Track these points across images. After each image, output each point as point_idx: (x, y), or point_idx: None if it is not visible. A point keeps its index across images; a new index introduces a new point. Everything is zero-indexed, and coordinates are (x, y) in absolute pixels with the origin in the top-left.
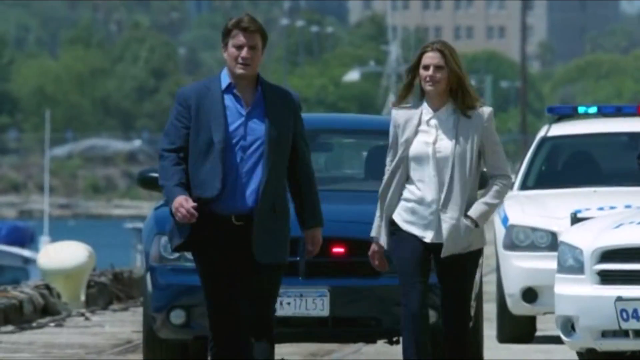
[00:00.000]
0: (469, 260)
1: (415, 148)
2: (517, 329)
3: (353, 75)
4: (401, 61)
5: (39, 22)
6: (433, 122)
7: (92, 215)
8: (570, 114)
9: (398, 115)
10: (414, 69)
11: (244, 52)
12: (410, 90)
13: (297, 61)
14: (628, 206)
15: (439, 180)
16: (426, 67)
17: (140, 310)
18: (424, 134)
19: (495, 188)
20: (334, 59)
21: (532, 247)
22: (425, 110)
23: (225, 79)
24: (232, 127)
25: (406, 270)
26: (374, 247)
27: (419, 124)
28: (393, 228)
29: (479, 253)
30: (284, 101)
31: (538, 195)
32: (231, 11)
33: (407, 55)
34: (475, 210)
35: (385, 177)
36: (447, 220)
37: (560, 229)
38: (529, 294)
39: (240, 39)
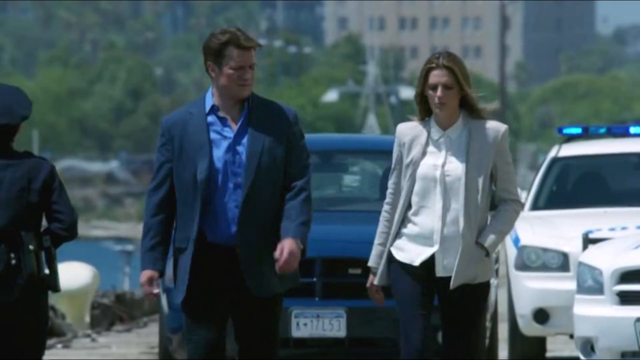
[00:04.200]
0: (477, 295)
1: (421, 171)
2: (528, 350)
3: (331, 96)
4: (379, 81)
5: (13, 41)
6: (442, 141)
7: None
8: (580, 135)
9: (403, 132)
10: (421, 89)
11: (247, 74)
12: (426, 114)
13: (275, 81)
14: (639, 227)
15: (445, 206)
16: (434, 88)
17: (144, 331)
18: (432, 155)
19: (506, 214)
20: (312, 79)
21: (544, 267)
22: (434, 128)
23: (209, 101)
24: (218, 154)
25: (406, 304)
26: (372, 278)
27: (427, 143)
28: (393, 258)
29: (487, 287)
30: (275, 118)
31: (549, 216)
32: (207, 31)
33: (385, 74)
34: (486, 238)
35: (387, 200)
36: (457, 248)
37: (571, 250)
38: (541, 315)
39: (241, 59)
